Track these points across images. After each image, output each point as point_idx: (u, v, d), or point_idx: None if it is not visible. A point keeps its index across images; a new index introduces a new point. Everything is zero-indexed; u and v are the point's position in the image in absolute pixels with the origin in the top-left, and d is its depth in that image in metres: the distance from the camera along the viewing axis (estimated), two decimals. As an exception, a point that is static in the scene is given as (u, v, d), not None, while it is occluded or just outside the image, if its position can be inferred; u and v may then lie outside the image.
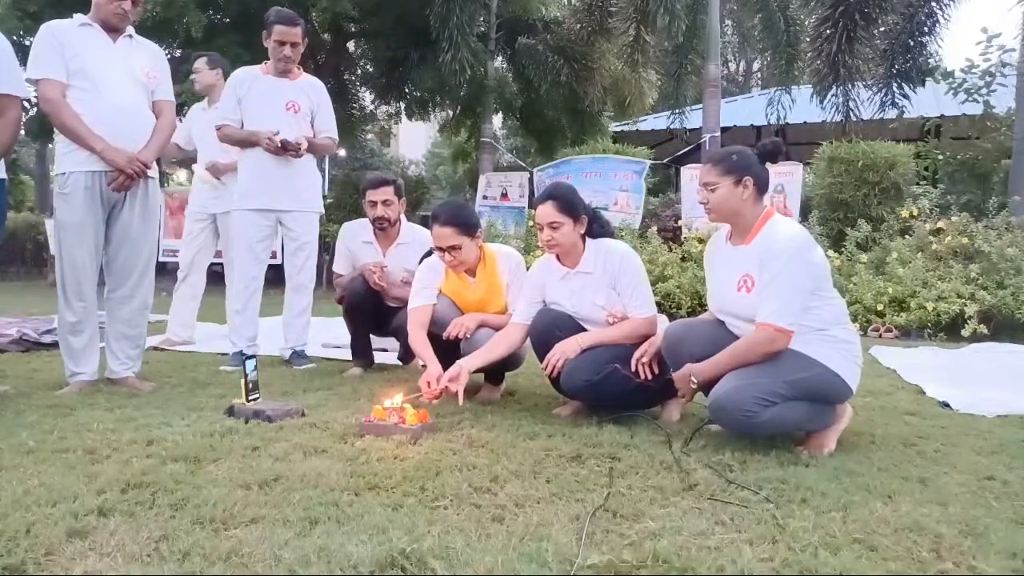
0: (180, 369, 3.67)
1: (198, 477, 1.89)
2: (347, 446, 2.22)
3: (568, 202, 2.68)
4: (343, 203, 10.23)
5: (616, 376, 2.55)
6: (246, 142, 3.74)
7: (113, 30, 3.10)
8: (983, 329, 5.36)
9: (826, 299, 2.29)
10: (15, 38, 10.27)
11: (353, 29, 12.16)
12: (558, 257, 2.78)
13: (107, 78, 3.04)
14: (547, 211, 2.67)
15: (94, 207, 3.06)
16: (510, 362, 3.01)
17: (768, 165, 2.38)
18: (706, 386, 2.34)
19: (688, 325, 2.58)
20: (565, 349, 2.60)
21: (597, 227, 2.76)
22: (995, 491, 1.91)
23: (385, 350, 4.03)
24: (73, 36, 3.02)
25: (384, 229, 3.63)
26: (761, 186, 2.34)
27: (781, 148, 2.38)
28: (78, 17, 3.10)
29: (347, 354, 4.03)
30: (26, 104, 5.29)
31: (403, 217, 3.70)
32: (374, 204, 3.58)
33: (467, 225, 2.91)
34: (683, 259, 7.05)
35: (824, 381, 2.23)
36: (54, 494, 1.71)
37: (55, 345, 4.34)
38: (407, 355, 3.79)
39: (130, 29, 3.17)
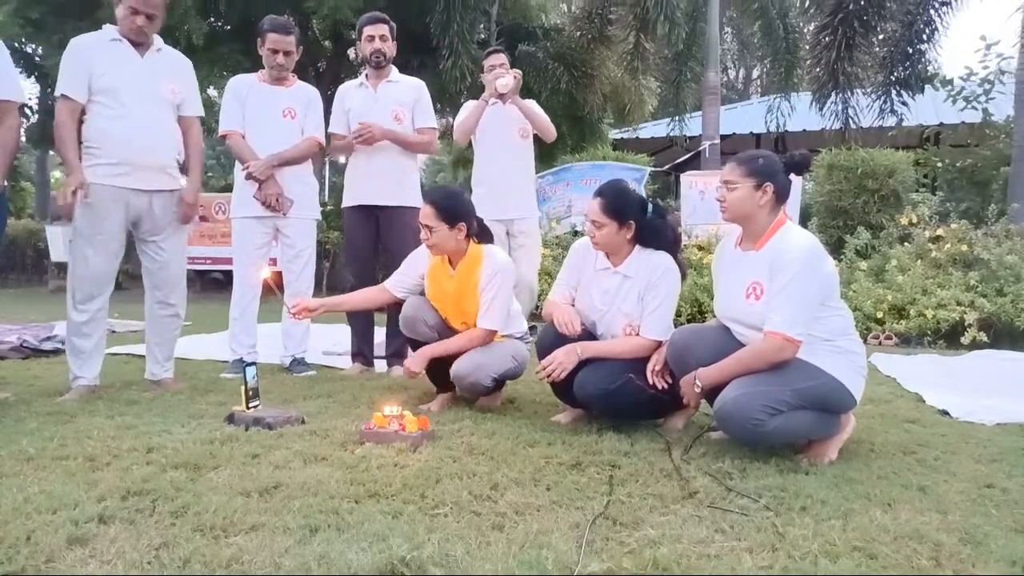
0: (180, 376, 3.67)
1: (198, 484, 1.89)
2: (347, 453, 2.22)
3: (615, 205, 2.59)
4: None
5: (631, 386, 2.52)
6: (248, 157, 3.75)
7: (139, 44, 3.12)
8: (983, 337, 5.35)
9: (834, 309, 2.29)
10: (16, 45, 10.33)
11: (354, 36, 12.18)
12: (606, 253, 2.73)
13: (131, 95, 3.07)
14: (593, 208, 2.61)
15: (117, 218, 3.10)
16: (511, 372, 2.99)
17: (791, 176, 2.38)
18: (710, 393, 2.34)
19: (694, 332, 2.56)
20: (564, 360, 2.58)
21: (647, 238, 2.64)
22: (995, 499, 1.91)
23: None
24: (101, 54, 3.05)
25: (380, 66, 3.88)
26: (781, 195, 2.34)
27: (809, 162, 2.39)
28: (107, 30, 3.12)
29: (348, 361, 4.03)
30: (27, 111, 5.30)
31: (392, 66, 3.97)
32: (371, 39, 3.84)
33: (448, 212, 2.87)
34: (683, 266, 7.04)
35: (830, 391, 2.22)
36: (54, 501, 1.71)
37: (55, 352, 4.36)
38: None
39: (159, 42, 3.19)
